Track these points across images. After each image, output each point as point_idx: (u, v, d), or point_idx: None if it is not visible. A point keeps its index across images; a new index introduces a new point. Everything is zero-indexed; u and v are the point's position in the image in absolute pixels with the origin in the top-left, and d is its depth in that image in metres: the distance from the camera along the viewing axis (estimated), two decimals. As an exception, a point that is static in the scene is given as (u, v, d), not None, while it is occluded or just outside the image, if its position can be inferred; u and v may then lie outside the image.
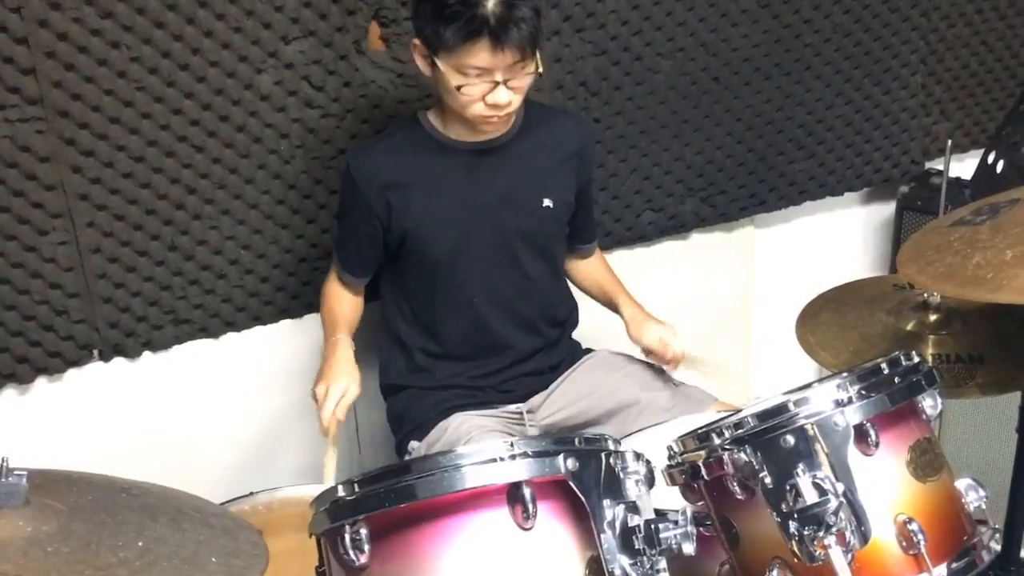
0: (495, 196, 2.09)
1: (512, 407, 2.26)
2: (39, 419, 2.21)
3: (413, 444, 2.18)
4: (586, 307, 2.40)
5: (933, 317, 1.94)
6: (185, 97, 2.12)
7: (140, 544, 1.21)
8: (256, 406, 2.45)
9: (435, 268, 2.11)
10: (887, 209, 3.14)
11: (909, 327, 1.94)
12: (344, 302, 2.21)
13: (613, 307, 2.33)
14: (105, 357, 2.22)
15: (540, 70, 1.94)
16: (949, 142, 2.24)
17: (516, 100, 1.95)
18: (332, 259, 2.25)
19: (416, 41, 1.95)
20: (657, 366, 2.27)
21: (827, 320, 2.01)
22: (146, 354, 2.27)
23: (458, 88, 1.90)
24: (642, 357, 2.29)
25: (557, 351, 2.30)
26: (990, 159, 2.73)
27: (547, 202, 2.15)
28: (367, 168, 2.07)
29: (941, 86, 3.08)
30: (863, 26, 2.81)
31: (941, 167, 2.63)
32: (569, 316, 2.33)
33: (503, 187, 2.10)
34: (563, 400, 2.26)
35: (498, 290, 2.16)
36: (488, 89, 1.90)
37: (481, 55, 1.86)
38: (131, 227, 2.15)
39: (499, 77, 1.89)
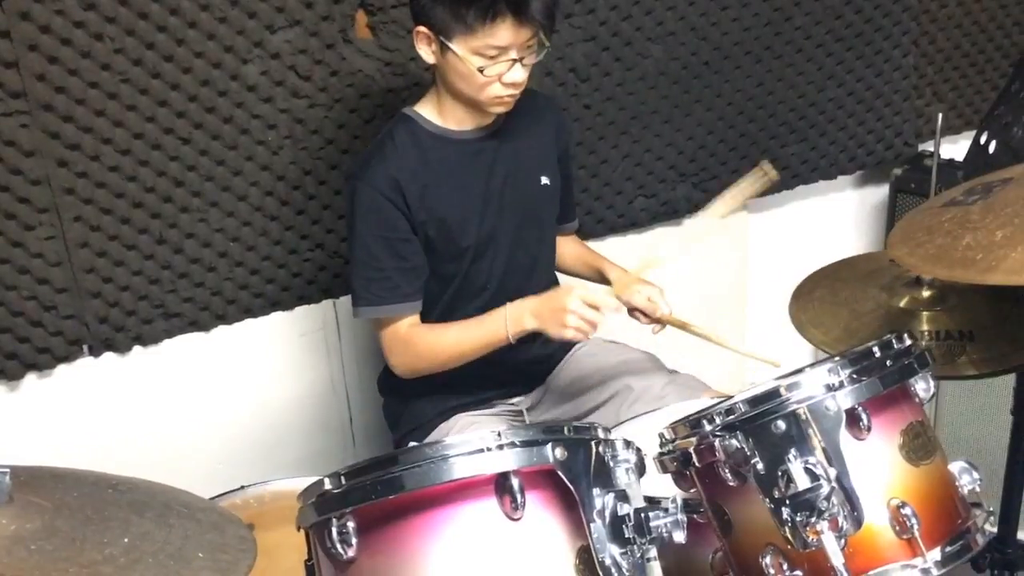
0: (500, 180, 2.09)
1: (511, 403, 2.25)
2: (29, 416, 2.19)
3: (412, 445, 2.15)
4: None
5: (926, 293, 1.92)
6: (171, 89, 2.10)
7: (125, 540, 1.20)
8: (247, 399, 2.43)
9: (459, 261, 2.08)
10: (880, 192, 3.13)
11: (902, 304, 1.92)
12: (429, 325, 2.09)
13: (599, 275, 2.31)
14: (95, 352, 2.21)
15: (548, 45, 1.94)
16: (939, 116, 2.20)
17: (526, 78, 1.95)
18: (380, 325, 2.06)
19: (421, 28, 1.91)
20: (651, 356, 2.27)
21: (820, 297, 2.00)
22: (136, 348, 2.25)
23: (481, 70, 1.88)
24: (634, 344, 2.28)
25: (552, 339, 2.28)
26: (982, 140, 2.71)
27: (544, 180, 2.16)
28: (386, 181, 1.98)
29: (933, 67, 3.06)
30: (854, 7, 2.80)
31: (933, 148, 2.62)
32: None
33: (505, 170, 2.09)
34: (560, 393, 2.25)
35: (509, 274, 2.14)
36: (506, 68, 1.90)
37: (503, 33, 1.85)
38: (119, 221, 2.14)
39: (515, 55, 1.89)
